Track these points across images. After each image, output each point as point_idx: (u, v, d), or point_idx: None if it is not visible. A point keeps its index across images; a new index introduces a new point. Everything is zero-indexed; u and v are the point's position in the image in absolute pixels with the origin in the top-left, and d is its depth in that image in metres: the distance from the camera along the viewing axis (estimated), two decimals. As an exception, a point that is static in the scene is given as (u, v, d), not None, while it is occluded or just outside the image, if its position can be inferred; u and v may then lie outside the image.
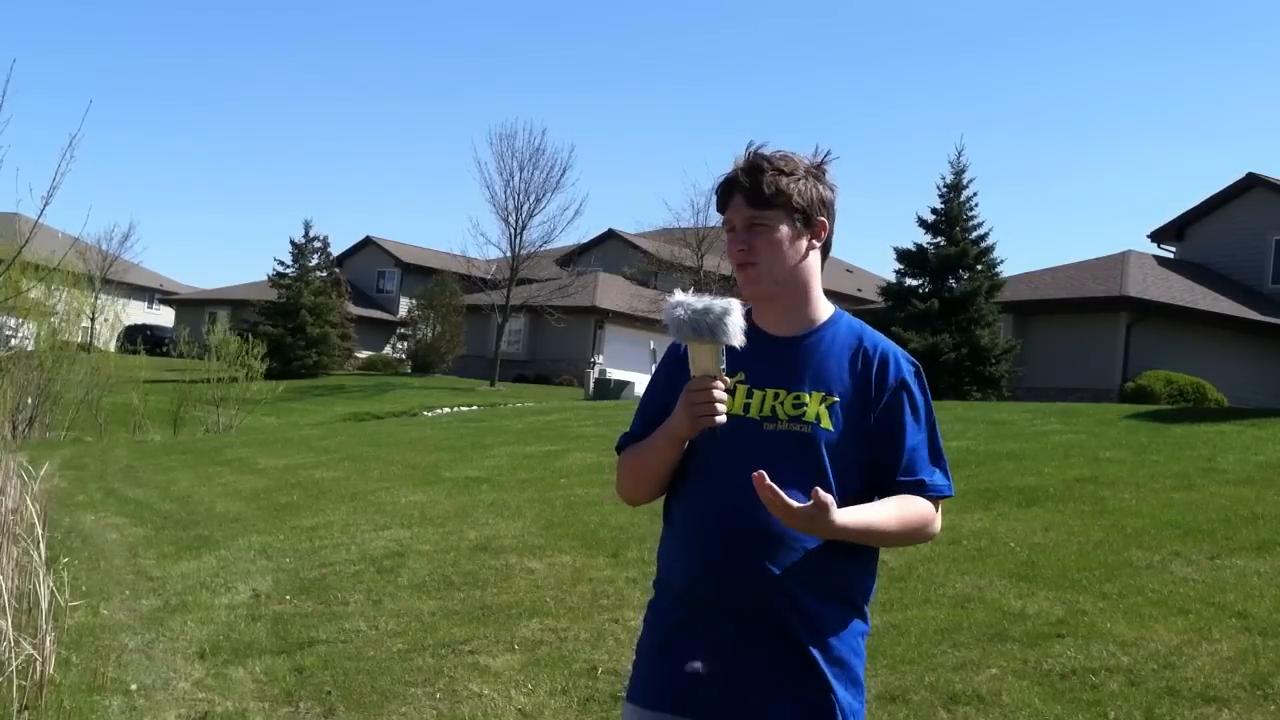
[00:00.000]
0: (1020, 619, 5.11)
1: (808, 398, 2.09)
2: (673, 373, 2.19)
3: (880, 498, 2.11)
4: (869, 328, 2.23)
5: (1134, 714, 4.04)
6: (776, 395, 2.10)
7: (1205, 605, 5.13)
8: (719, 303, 1.99)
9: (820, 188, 2.16)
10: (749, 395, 2.11)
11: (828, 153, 2.19)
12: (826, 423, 2.08)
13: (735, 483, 2.02)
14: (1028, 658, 4.62)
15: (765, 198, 2.11)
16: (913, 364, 2.20)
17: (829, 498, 1.95)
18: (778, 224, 2.12)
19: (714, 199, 2.20)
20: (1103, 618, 5.04)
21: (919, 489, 2.12)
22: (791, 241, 2.13)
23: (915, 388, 2.17)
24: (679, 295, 2.03)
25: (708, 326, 1.98)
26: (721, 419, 2.00)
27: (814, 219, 2.15)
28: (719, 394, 2.00)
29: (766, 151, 2.15)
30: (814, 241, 2.16)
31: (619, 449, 2.26)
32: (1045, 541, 6.56)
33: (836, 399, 2.10)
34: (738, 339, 1.99)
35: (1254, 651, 4.50)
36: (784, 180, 2.11)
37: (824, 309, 2.19)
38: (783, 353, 2.12)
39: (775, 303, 2.16)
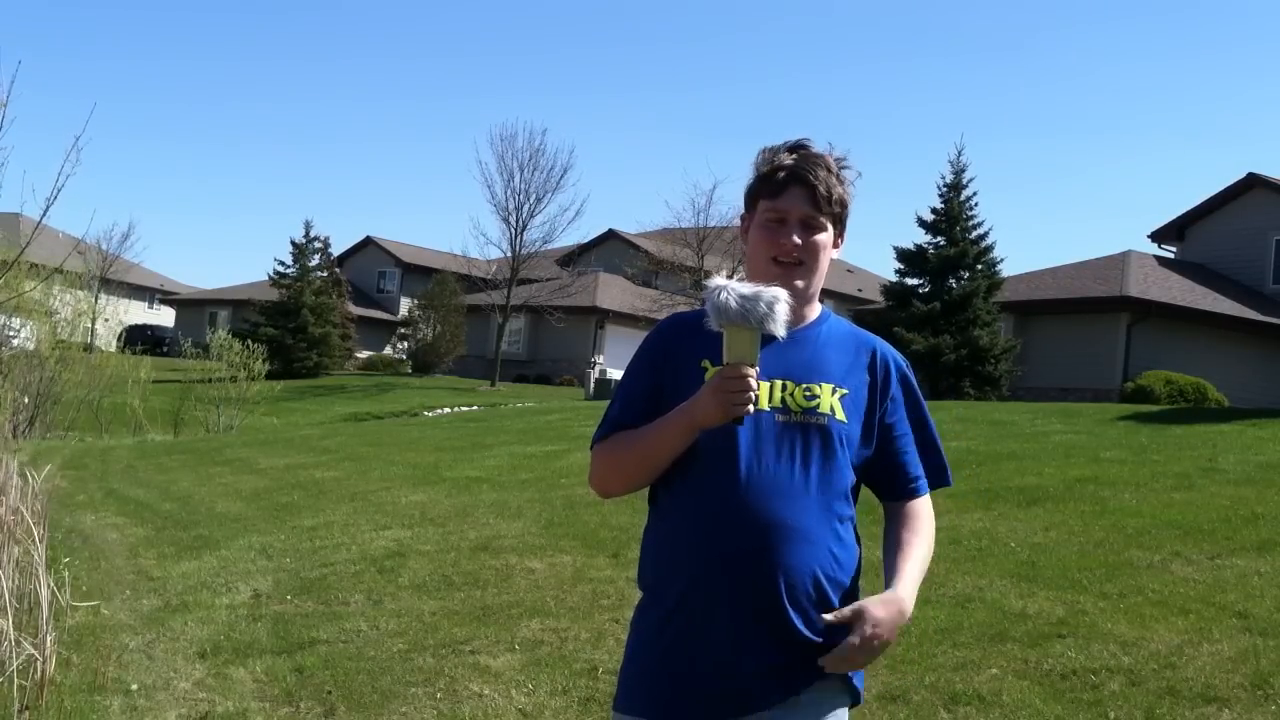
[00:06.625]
0: (1021, 619, 5.11)
1: (819, 389, 2.08)
2: (658, 360, 2.15)
3: (892, 489, 2.18)
4: (855, 325, 2.27)
5: (1134, 714, 4.04)
6: (784, 386, 2.07)
7: (1206, 605, 5.13)
8: (768, 291, 1.93)
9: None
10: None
11: (844, 156, 2.18)
12: (841, 414, 2.08)
13: (753, 474, 2.00)
14: (1028, 658, 4.62)
15: (829, 201, 2.11)
16: (904, 359, 2.25)
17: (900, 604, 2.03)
18: (827, 229, 2.13)
19: (761, 181, 2.14)
20: (1103, 618, 5.04)
21: (940, 476, 2.22)
22: (830, 248, 2.16)
23: (913, 381, 2.23)
24: (720, 280, 1.96)
25: (758, 315, 1.91)
26: (752, 408, 1.95)
27: (844, 230, 2.19)
28: (753, 382, 1.94)
29: (821, 150, 2.15)
30: (835, 251, 2.20)
31: (597, 439, 2.16)
32: (1046, 541, 6.56)
33: (847, 391, 2.11)
34: (782, 330, 1.94)
35: (1254, 651, 4.50)
36: (840, 189, 2.13)
37: (817, 307, 2.21)
38: (783, 345, 2.04)
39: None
